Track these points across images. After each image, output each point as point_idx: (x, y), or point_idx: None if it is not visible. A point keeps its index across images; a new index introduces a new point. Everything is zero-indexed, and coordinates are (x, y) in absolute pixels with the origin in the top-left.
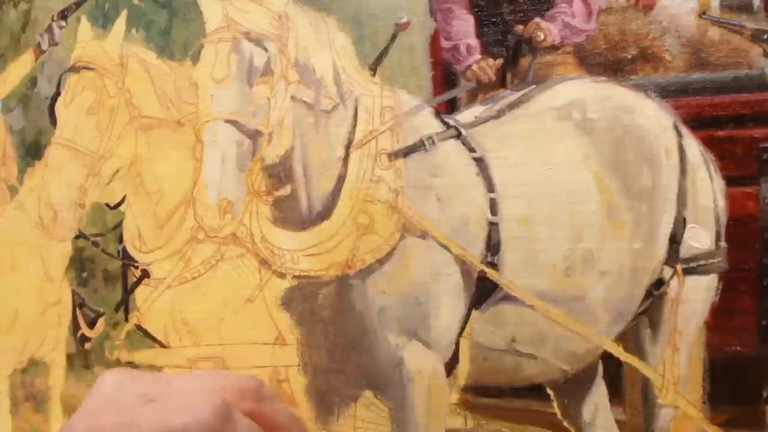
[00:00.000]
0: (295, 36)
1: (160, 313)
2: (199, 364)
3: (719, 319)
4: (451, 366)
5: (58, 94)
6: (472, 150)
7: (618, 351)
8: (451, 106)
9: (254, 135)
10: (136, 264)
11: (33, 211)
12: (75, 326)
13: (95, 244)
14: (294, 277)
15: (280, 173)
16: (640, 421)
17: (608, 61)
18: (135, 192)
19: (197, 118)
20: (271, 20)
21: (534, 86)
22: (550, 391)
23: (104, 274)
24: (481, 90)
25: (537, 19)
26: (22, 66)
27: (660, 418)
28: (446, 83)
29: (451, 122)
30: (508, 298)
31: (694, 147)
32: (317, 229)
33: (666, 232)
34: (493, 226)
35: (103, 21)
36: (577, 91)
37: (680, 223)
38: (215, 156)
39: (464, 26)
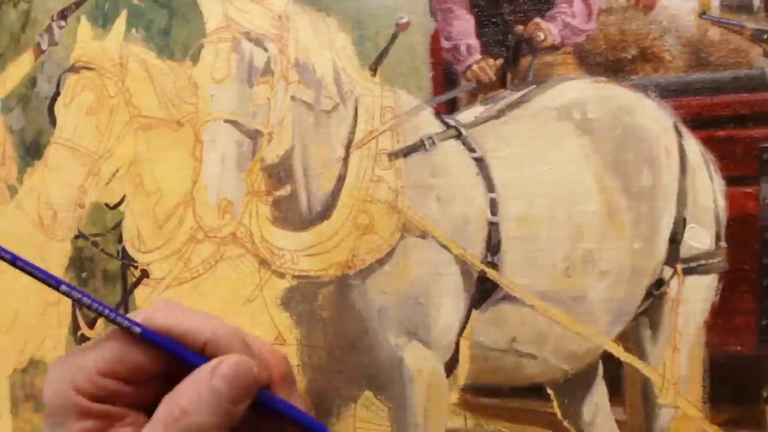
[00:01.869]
0: (296, 36)
1: None
2: None
3: (719, 319)
4: (451, 366)
5: (57, 94)
6: (472, 150)
7: (618, 351)
8: (451, 106)
9: (254, 135)
10: (135, 264)
11: (32, 210)
12: (75, 326)
13: (95, 244)
14: (294, 277)
15: (280, 173)
16: (640, 421)
17: (608, 61)
18: (134, 192)
19: (197, 118)
20: (271, 20)
21: (534, 86)
22: (550, 391)
23: (104, 274)
24: (481, 90)
25: (537, 19)
26: (21, 66)
27: (660, 418)
28: (446, 83)
29: (451, 122)
30: (508, 298)
31: (694, 147)
32: (317, 229)
33: (666, 232)
34: (493, 226)
35: (103, 21)
36: (577, 91)
37: (680, 223)
38: (215, 156)
39: (464, 26)
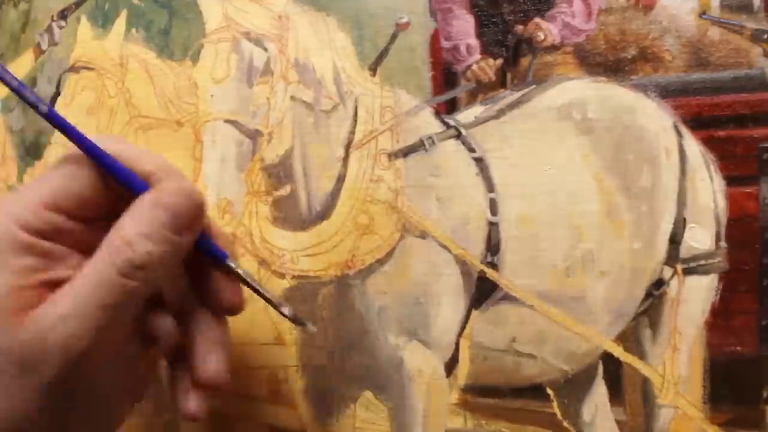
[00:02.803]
0: (295, 36)
1: None
2: None
3: (719, 319)
4: (451, 366)
5: (57, 94)
6: (472, 150)
7: (618, 351)
8: (451, 106)
9: (254, 135)
10: None
11: None
12: None
13: None
14: (293, 277)
15: (279, 173)
16: (640, 421)
17: (608, 61)
18: None
19: (197, 118)
20: (271, 20)
21: (534, 86)
22: (550, 391)
23: None
24: (481, 90)
25: (537, 19)
26: (21, 66)
27: (660, 418)
28: (446, 83)
29: (451, 122)
30: (508, 297)
31: (694, 147)
32: (317, 229)
33: (666, 232)
34: (493, 226)
35: (103, 21)
36: (577, 91)
37: (680, 223)
38: (215, 156)
39: (464, 26)
